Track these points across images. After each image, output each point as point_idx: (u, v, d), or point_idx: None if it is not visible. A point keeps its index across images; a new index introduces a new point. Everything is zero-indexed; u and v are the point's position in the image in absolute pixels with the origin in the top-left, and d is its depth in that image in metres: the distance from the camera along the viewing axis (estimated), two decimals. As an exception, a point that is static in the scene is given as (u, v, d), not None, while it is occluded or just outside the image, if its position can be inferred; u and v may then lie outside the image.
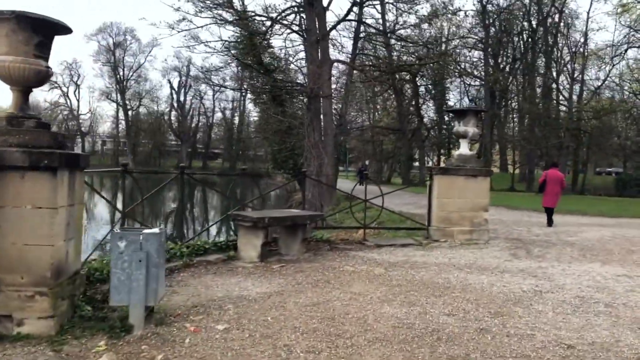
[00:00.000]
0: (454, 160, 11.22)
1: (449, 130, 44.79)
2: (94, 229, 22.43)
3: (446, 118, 46.65)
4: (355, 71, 29.14)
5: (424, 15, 27.86)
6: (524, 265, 8.53)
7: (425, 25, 30.87)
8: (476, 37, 42.93)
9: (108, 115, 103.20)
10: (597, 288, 7.01)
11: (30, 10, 4.58)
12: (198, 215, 37.66)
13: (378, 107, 52.25)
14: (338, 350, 4.46)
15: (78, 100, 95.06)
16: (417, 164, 50.48)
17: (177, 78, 79.37)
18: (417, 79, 42.53)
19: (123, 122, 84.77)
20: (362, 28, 29.15)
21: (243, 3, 25.04)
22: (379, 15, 31.89)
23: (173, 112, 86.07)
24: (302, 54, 27.15)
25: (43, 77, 4.84)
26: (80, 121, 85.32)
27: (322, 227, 14.83)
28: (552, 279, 7.54)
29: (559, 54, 45.11)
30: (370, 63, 29.65)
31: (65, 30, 4.86)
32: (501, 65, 46.70)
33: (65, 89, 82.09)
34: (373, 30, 29.64)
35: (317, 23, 24.18)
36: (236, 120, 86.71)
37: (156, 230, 5.05)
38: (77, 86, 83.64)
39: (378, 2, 29.64)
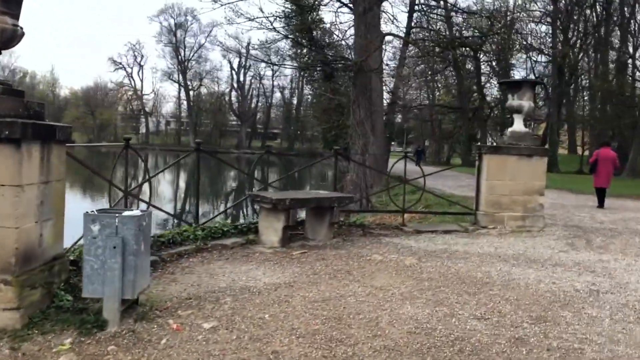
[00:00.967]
0: (506, 138, 10.09)
1: (515, 109, 42.39)
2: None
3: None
4: (410, 46, 27.71)
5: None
6: (581, 258, 7.43)
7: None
8: (543, 10, 40.28)
9: (170, 95, 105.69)
10: (669, 289, 5.88)
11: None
12: (224, 195, 35.16)
13: (439, 85, 50.31)
14: (334, 361, 3.73)
15: (142, 81, 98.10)
16: (478, 144, 48.30)
17: (237, 58, 79.65)
18: (479, 54, 40.40)
19: (185, 102, 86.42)
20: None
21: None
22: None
23: (233, 93, 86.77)
24: (353, 30, 26.06)
25: (9, 37, 4.25)
26: (144, 101, 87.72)
27: (363, 211, 14.06)
28: (614, 275, 6.45)
29: (636, 27, 41.64)
30: (427, 37, 28.11)
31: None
32: (571, 41, 43.64)
33: (129, 70, 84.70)
34: (432, 3, 28.05)
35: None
36: (294, 100, 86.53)
37: (137, 212, 4.45)
38: (141, 67, 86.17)
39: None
